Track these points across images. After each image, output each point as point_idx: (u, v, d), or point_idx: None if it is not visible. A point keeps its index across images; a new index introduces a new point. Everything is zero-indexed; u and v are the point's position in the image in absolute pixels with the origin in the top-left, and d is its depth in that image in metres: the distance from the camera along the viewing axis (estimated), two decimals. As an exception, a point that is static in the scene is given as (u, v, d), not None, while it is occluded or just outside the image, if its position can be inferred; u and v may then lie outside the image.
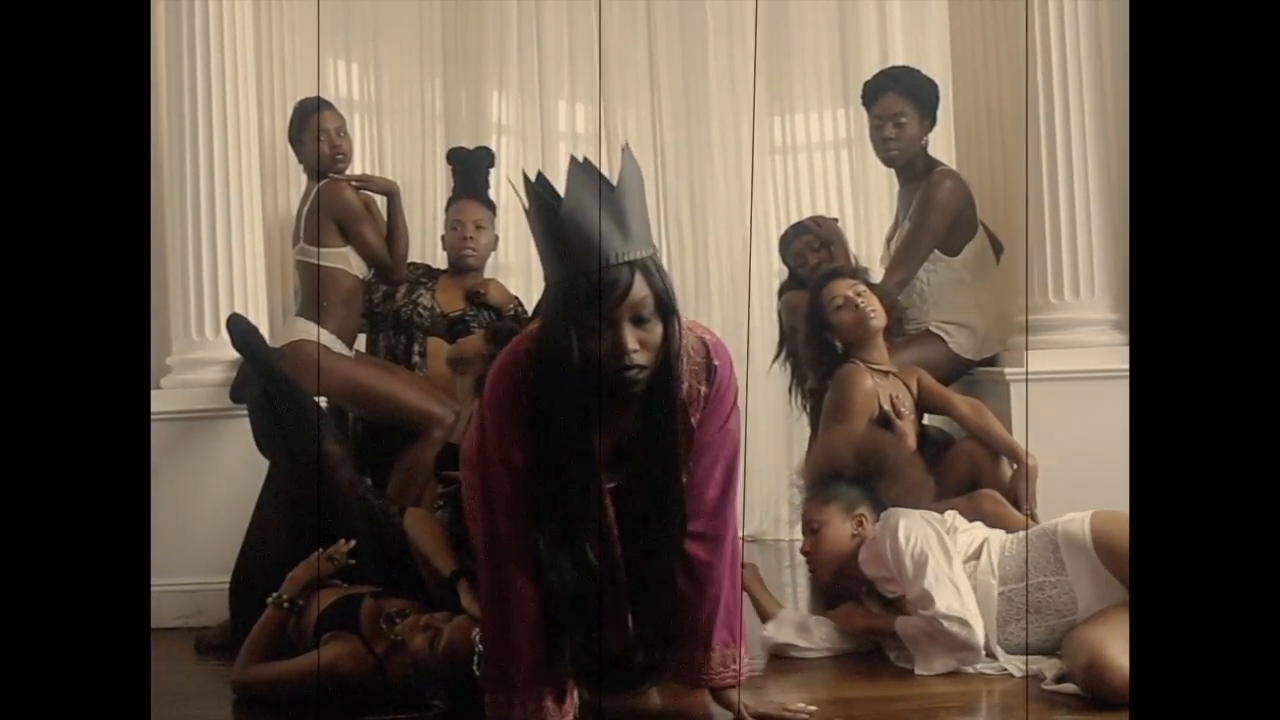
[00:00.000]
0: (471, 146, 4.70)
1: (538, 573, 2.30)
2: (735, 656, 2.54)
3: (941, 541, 2.96)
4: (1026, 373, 3.69)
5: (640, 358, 2.21)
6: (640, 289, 2.19)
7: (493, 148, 4.95)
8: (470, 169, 4.51)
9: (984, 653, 2.87)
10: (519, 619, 2.32)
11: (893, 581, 3.00)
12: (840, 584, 3.18)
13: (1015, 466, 3.53)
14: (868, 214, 5.22)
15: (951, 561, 2.92)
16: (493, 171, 4.61)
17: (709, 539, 2.47)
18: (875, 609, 3.07)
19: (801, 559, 3.27)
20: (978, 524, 3.13)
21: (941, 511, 3.16)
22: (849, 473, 3.21)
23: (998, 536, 3.06)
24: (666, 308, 2.23)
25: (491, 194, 4.58)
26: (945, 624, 2.84)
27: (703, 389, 2.38)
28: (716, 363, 2.40)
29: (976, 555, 3.00)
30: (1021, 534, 3.04)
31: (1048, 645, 2.87)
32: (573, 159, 2.26)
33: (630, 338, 2.19)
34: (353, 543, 3.13)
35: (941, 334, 4.09)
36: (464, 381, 3.84)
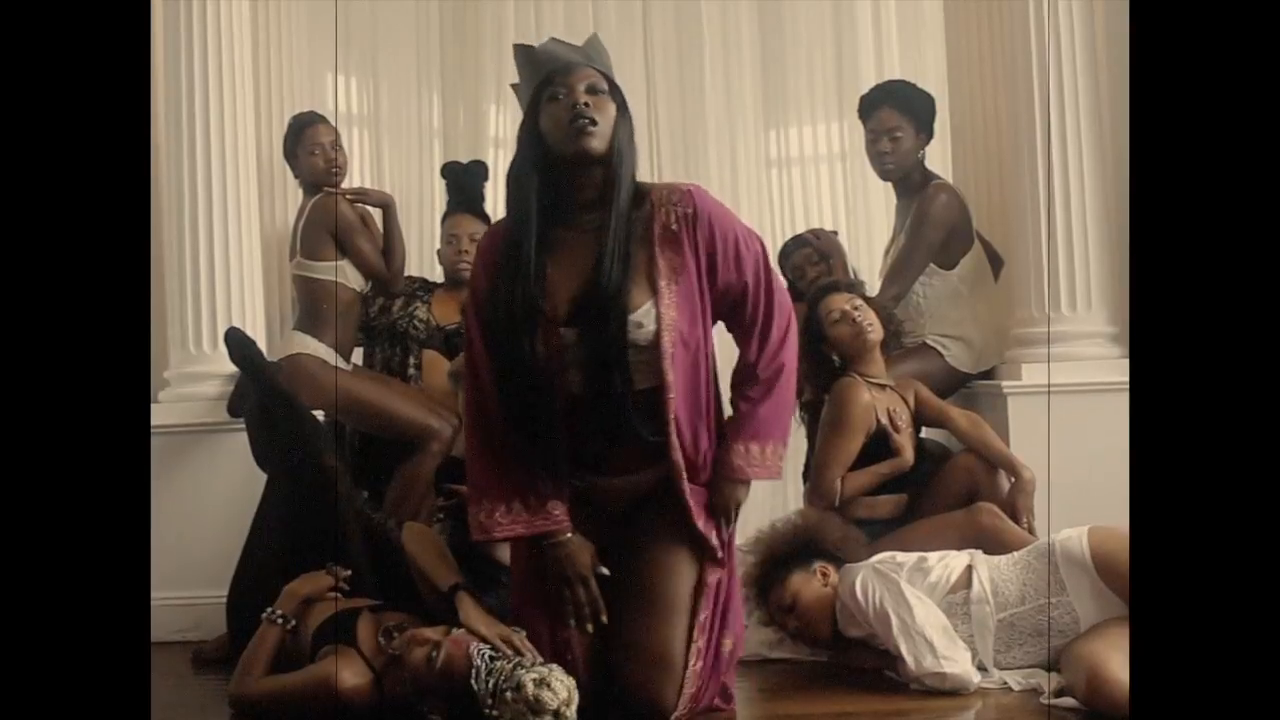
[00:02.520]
0: (470, 160, 4.70)
1: (503, 411, 2.64)
2: (772, 454, 2.74)
3: (899, 590, 2.94)
4: (1049, 385, 3.68)
5: (593, 114, 2.57)
6: (591, 72, 2.63)
7: (491, 161, 4.95)
8: (465, 183, 4.51)
9: (976, 678, 2.86)
10: (477, 447, 2.70)
11: (876, 636, 3.00)
12: (842, 631, 3.16)
13: (1012, 480, 3.53)
14: (869, 227, 5.23)
15: (914, 610, 2.90)
16: (488, 185, 4.61)
17: (762, 346, 2.72)
18: (875, 656, 3.07)
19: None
20: (949, 552, 3.11)
21: (921, 542, 3.19)
22: (785, 550, 3.22)
23: (984, 560, 3.05)
24: (619, 99, 2.65)
25: (487, 208, 4.58)
26: (926, 680, 2.85)
27: (683, 209, 2.65)
28: (688, 188, 2.69)
29: (966, 584, 2.98)
30: (1015, 555, 3.03)
31: (1051, 665, 2.86)
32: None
33: (582, 94, 2.59)
34: (348, 572, 3.13)
35: (938, 347, 4.09)
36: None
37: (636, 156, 2.71)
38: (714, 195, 2.63)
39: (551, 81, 2.63)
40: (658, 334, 2.60)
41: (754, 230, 2.80)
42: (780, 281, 2.82)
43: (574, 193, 2.66)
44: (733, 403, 2.78)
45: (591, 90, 2.61)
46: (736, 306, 2.73)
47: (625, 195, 2.63)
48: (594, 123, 2.57)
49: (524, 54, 2.73)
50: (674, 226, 2.64)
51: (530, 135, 2.67)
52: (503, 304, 2.62)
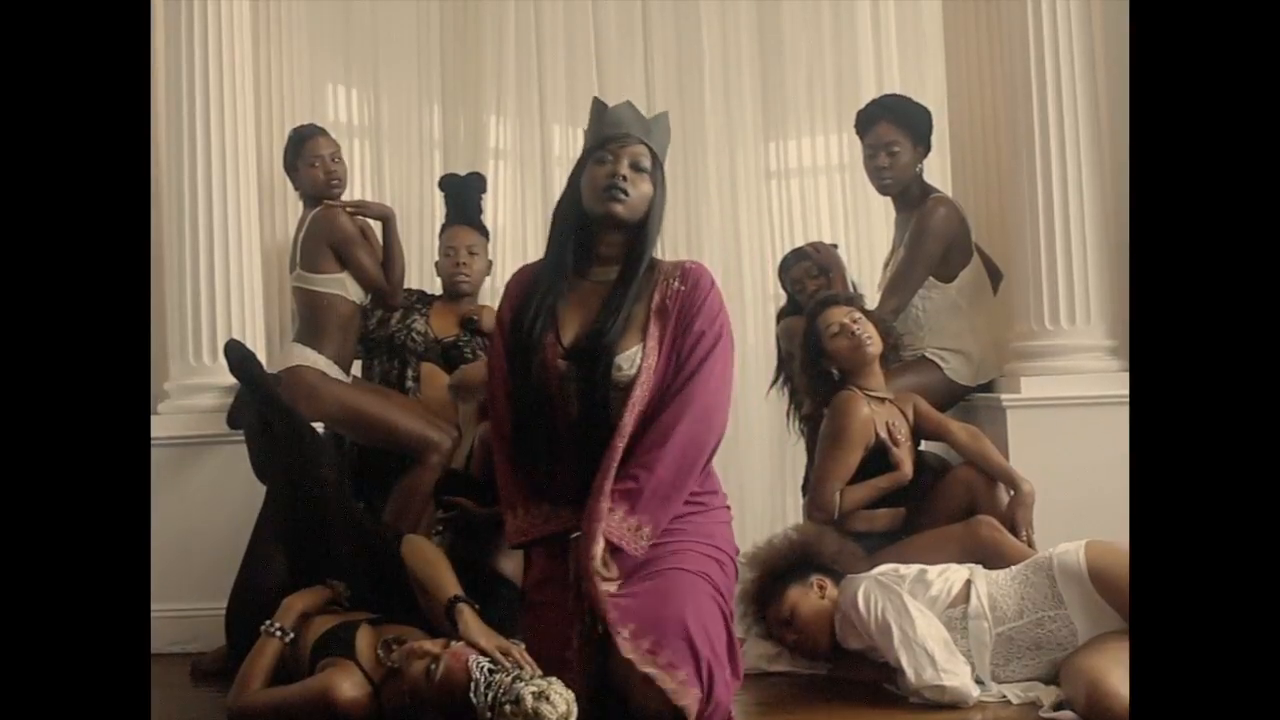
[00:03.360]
0: (471, 172, 4.71)
1: (514, 428, 2.88)
2: (634, 528, 2.72)
3: (901, 602, 2.95)
4: (1052, 399, 3.67)
5: (627, 186, 2.82)
6: (641, 149, 2.87)
7: (490, 173, 4.95)
8: (462, 195, 4.51)
9: (976, 691, 2.86)
10: (501, 460, 2.92)
11: (875, 648, 3.00)
12: (841, 643, 3.16)
13: (1011, 493, 3.53)
14: (870, 239, 5.23)
15: (915, 623, 2.90)
16: (486, 197, 4.61)
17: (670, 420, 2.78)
18: (874, 669, 3.07)
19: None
20: (950, 565, 3.11)
21: (920, 555, 3.20)
22: (783, 565, 3.23)
23: (983, 574, 3.05)
24: (658, 177, 2.88)
25: (486, 219, 4.58)
26: (925, 693, 2.85)
27: (678, 285, 2.87)
28: (692, 266, 2.94)
29: (965, 598, 2.98)
30: (1013, 569, 3.04)
31: (1050, 679, 2.87)
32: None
33: (624, 167, 2.83)
34: (347, 591, 3.14)
35: (937, 360, 4.09)
36: (466, 408, 3.84)
37: (661, 233, 2.97)
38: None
39: (604, 145, 2.87)
40: (634, 380, 2.80)
41: (727, 341, 2.91)
42: (707, 402, 2.83)
43: (595, 248, 2.92)
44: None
45: (634, 166, 2.86)
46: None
47: (644, 268, 2.88)
48: (625, 194, 2.83)
49: (597, 110, 2.97)
50: (668, 299, 2.87)
51: (577, 184, 2.91)
52: (523, 334, 2.86)
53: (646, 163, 2.88)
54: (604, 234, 2.89)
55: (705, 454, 2.83)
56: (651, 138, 2.92)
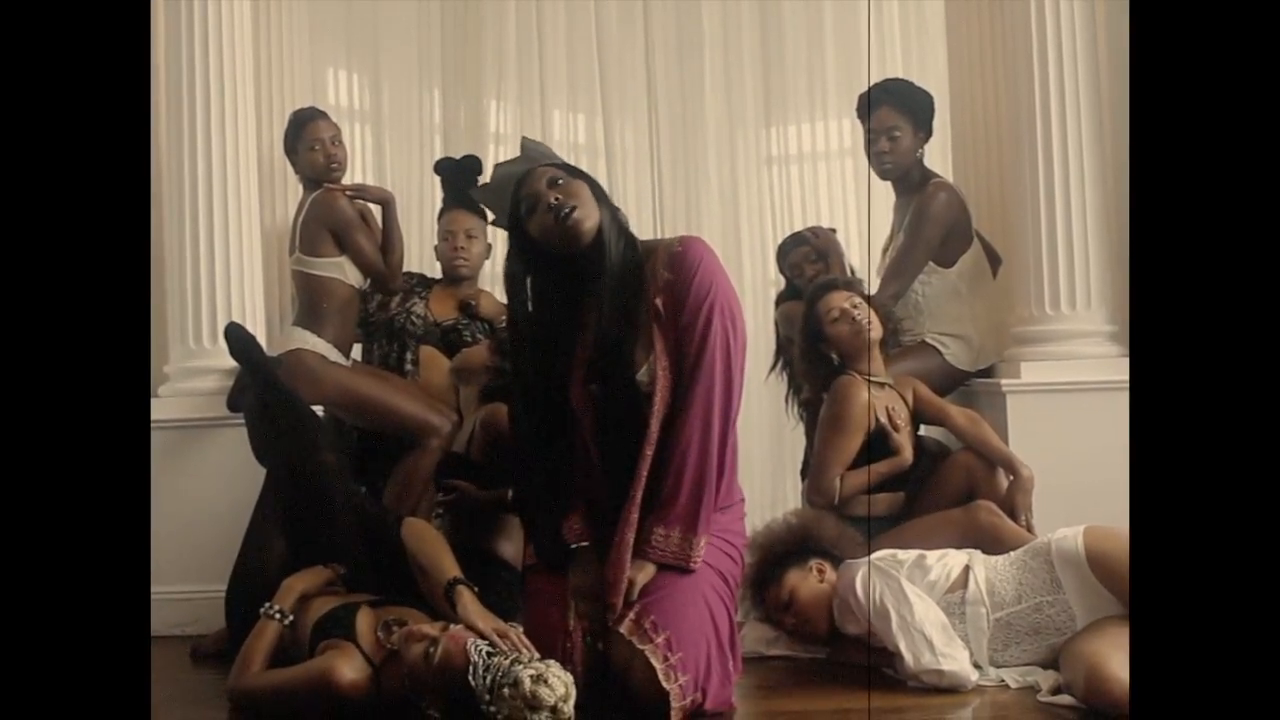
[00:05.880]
0: (466, 155, 4.69)
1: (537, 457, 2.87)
2: (677, 542, 2.72)
3: (899, 587, 2.95)
4: (1052, 384, 3.65)
5: (568, 201, 2.72)
6: (544, 170, 2.79)
7: (491, 157, 4.93)
8: (458, 178, 4.50)
9: (974, 676, 2.87)
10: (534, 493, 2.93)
11: (875, 634, 3.01)
12: (839, 627, 3.17)
13: (1011, 478, 3.53)
14: (873, 224, 5.21)
15: (913, 608, 2.91)
16: (482, 179, 4.60)
17: (676, 418, 2.74)
18: (872, 653, 3.08)
19: None
20: (949, 551, 3.12)
21: (919, 539, 3.21)
22: (781, 549, 3.24)
23: (981, 560, 3.05)
24: (579, 174, 2.82)
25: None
26: (924, 677, 2.85)
27: (666, 275, 2.77)
28: (679, 249, 2.80)
29: (964, 583, 2.99)
30: (1012, 555, 3.04)
31: (1049, 663, 2.87)
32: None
33: (547, 193, 2.74)
34: (343, 570, 3.15)
35: (937, 345, 4.09)
36: (468, 391, 3.84)
37: (622, 216, 2.87)
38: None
39: (520, 197, 2.79)
40: (652, 385, 2.76)
41: (733, 309, 2.80)
42: (721, 379, 2.76)
43: (583, 269, 2.80)
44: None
45: (552, 184, 2.77)
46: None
47: (616, 259, 2.78)
48: (573, 208, 2.73)
49: (483, 194, 3.04)
50: (661, 292, 2.78)
51: (522, 252, 2.83)
52: (544, 385, 2.84)
53: (559, 173, 2.80)
54: (585, 256, 2.79)
55: (721, 444, 2.76)
56: (539, 160, 2.86)
